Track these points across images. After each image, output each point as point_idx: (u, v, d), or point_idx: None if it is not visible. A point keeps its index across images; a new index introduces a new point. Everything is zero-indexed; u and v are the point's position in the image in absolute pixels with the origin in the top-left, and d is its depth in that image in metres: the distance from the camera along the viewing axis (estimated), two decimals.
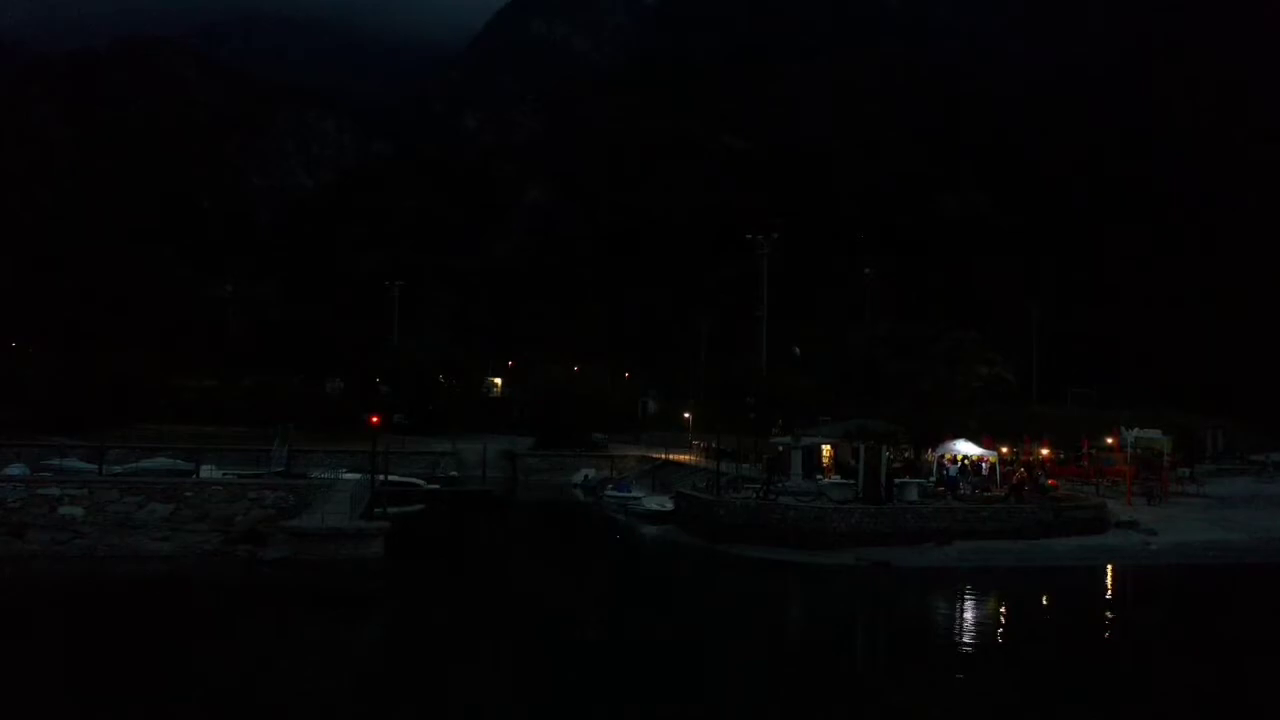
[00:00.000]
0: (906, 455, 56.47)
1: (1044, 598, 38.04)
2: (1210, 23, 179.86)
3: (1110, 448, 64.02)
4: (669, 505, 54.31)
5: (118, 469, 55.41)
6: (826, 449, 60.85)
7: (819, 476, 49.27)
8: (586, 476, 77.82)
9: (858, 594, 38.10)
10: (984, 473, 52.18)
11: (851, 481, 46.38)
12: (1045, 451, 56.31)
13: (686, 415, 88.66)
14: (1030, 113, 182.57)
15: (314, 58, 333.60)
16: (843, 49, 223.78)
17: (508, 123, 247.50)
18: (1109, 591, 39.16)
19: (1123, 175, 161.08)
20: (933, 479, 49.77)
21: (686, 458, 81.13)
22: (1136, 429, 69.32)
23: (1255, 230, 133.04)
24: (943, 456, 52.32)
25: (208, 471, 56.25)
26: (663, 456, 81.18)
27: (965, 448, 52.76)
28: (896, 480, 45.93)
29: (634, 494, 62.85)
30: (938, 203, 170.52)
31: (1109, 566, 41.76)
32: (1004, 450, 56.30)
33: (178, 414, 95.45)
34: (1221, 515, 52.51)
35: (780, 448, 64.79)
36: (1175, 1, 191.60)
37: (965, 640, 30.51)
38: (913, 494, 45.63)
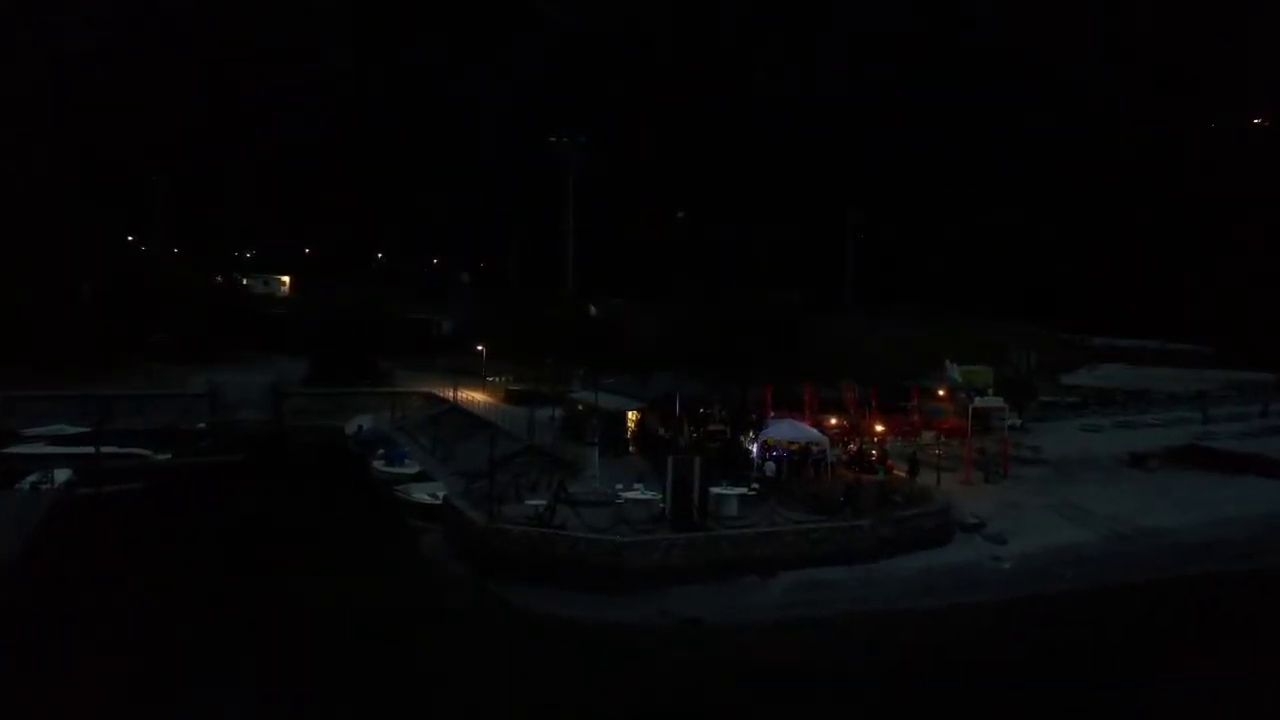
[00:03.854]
0: (723, 432, 48.48)
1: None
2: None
3: (941, 399, 58.23)
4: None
5: None
6: (632, 415, 52.51)
7: (618, 486, 40.21)
8: (360, 428, 66.55)
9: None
10: (814, 455, 44.33)
11: (657, 496, 37.78)
12: (880, 428, 49.44)
13: (480, 348, 78.61)
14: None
15: None
16: None
17: None
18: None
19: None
20: (754, 480, 41.62)
21: (479, 396, 72.00)
22: (959, 365, 64.72)
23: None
24: (765, 443, 44.31)
25: None
26: (451, 396, 71.43)
27: (791, 432, 44.96)
28: (712, 490, 37.56)
29: (406, 468, 52.63)
30: None
31: (957, 605, 34.79)
32: (832, 422, 48.89)
33: None
34: (1067, 497, 47.21)
35: (580, 406, 56.26)
36: None
37: None
38: (732, 508, 37.44)
